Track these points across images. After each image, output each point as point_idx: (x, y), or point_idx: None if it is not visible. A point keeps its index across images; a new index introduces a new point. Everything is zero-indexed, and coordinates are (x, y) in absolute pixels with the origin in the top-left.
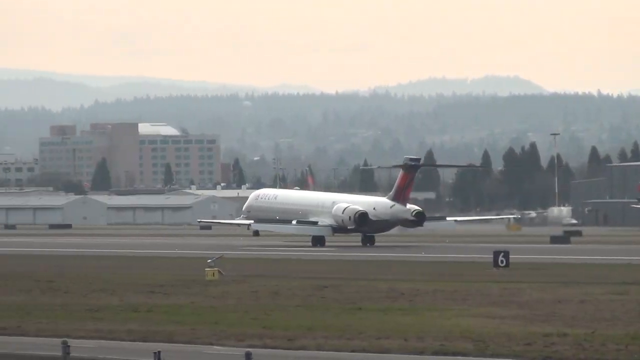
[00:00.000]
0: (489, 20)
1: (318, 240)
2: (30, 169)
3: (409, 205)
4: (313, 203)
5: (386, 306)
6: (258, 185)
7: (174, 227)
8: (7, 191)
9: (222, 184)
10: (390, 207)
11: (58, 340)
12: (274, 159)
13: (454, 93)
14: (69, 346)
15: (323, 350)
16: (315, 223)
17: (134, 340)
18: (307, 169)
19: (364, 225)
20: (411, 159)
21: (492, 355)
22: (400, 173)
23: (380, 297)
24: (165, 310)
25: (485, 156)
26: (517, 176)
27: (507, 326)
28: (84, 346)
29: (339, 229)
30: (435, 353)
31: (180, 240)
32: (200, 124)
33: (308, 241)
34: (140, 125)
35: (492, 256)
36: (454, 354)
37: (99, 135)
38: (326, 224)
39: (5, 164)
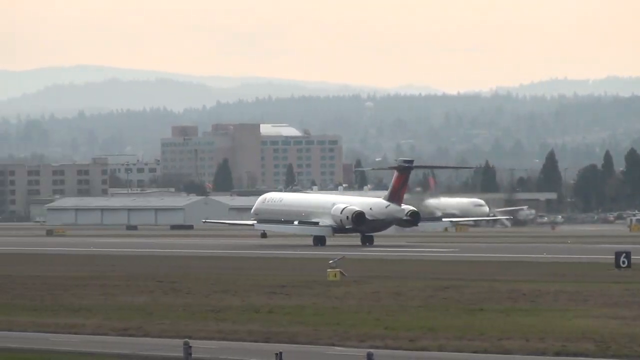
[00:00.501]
0: (610, 21)
1: (319, 240)
2: (152, 170)
3: (403, 206)
4: (314, 205)
5: (508, 307)
6: (380, 186)
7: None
8: (129, 192)
9: (344, 185)
10: (386, 207)
11: (180, 341)
12: (395, 160)
13: (575, 94)
14: (190, 347)
15: (445, 351)
16: (316, 223)
17: (256, 341)
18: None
19: (361, 225)
20: (405, 161)
21: (613, 356)
22: (394, 174)
23: (502, 298)
24: (287, 311)
25: (607, 157)
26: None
27: (629, 327)
28: (205, 347)
29: (339, 229)
30: (557, 354)
31: (303, 241)
32: (322, 125)
33: (310, 241)
34: (261, 126)
35: (613, 257)
36: (575, 354)
37: (221, 136)
38: (327, 224)
39: (127, 164)
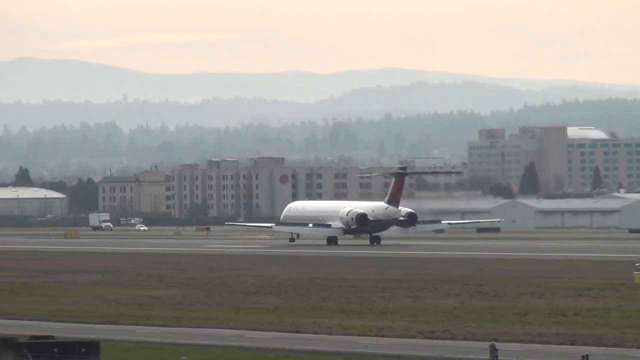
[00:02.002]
0: None
1: (332, 240)
2: (459, 173)
3: (401, 208)
4: (328, 210)
5: None
6: None
7: (602, 230)
8: (436, 195)
9: None
10: (385, 209)
11: (485, 344)
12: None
13: None
14: (497, 349)
15: None
16: (329, 226)
17: (562, 344)
18: None
19: (364, 225)
20: (400, 168)
21: None
22: (392, 180)
23: None
24: (593, 314)
25: None
26: None
27: None
28: (511, 349)
29: (348, 230)
30: None
31: (608, 244)
32: (629, 128)
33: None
34: (568, 129)
35: None
36: None
37: (528, 139)
38: (338, 226)
39: (434, 167)
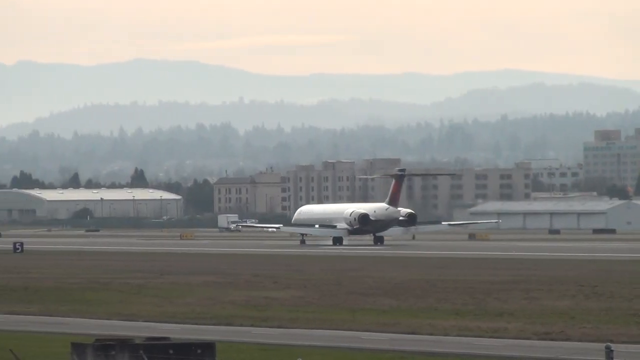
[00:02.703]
0: None
1: (337, 240)
2: (575, 174)
3: (400, 209)
4: (334, 212)
5: None
6: None
7: None
8: (552, 196)
9: None
10: (386, 210)
11: (601, 345)
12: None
13: None
14: (612, 351)
15: None
16: (334, 227)
17: None
18: None
19: (366, 225)
20: (399, 170)
21: None
22: (392, 182)
23: None
24: None
25: None
26: None
27: None
28: (627, 351)
29: (353, 230)
30: None
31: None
32: None
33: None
34: None
35: None
36: None
37: None
38: (343, 227)
39: (550, 169)
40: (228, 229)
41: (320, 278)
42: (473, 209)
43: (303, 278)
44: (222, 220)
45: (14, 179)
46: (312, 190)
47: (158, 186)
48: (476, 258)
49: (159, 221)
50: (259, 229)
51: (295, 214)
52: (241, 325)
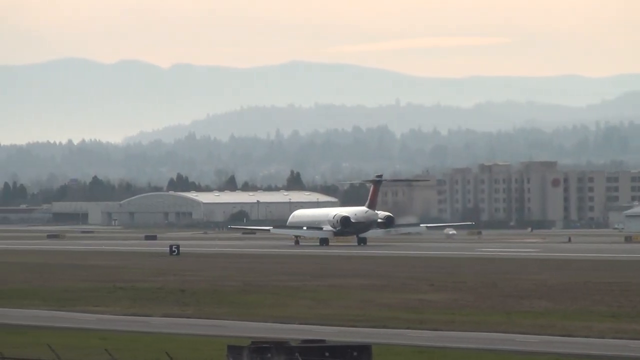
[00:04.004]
0: None
1: (324, 241)
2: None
3: (378, 212)
4: (321, 215)
5: None
6: None
7: None
8: None
9: None
10: (365, 213)
11: None
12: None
13: None
14: None
15: None
16: (321, 229)
17: None
18: None
19: (348, 227)
20: (377, 176)
21: None
22: (371, 187)
23: None
24: None
25: None
26: None
27: None
28: None
29: (338, 232)
30: None
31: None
32: None
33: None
34: None
35: None
36: None
37: None
38: (329, 229)
39: None
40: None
41: (476, 280)
42: (629, 212)
43: (458, 280)
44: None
45: (171, 181)
46: (469, 193)
47: (314, 189)
48: (630, 260)
49: None
50: (255, 231)
51: (290, 217)
52: (396, 327)
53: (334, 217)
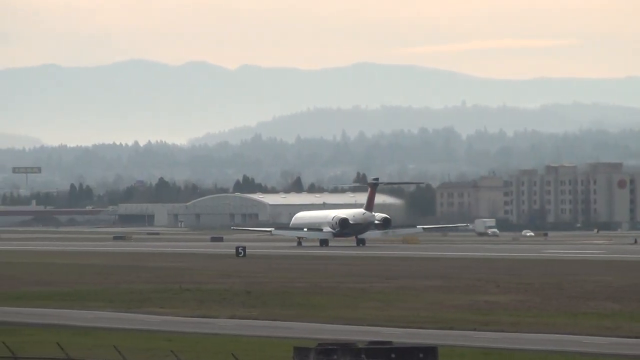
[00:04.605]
0: None
1: (324, 242)
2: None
3: (375, 214)
4: (322, 217)
5: None
6: None
7: None
8: None
9: None
10: (363, 214)
11: None
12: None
13: None
14: None
15: None
16: (321, 230)
17: None
18: None
19: (346, 228)
20: (374, 179)
21: None
22: (368, 190)
23: None
24: None
25: None
26: None
27: None
28: None
29: (337, 233)
30: None
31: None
32: None
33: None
34: None
35: None
36: None
37: None
38: (328, 230)
39: None
40: (485, 234)
41: (542, 282)
42: None
43: (524, 282)
44: (480, 224)
45: (237, 183)
46: (535, 194)
47: (381, 190)
48: None
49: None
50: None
51: (293, 219)
52: (463, 329)
53: (333, 219)
